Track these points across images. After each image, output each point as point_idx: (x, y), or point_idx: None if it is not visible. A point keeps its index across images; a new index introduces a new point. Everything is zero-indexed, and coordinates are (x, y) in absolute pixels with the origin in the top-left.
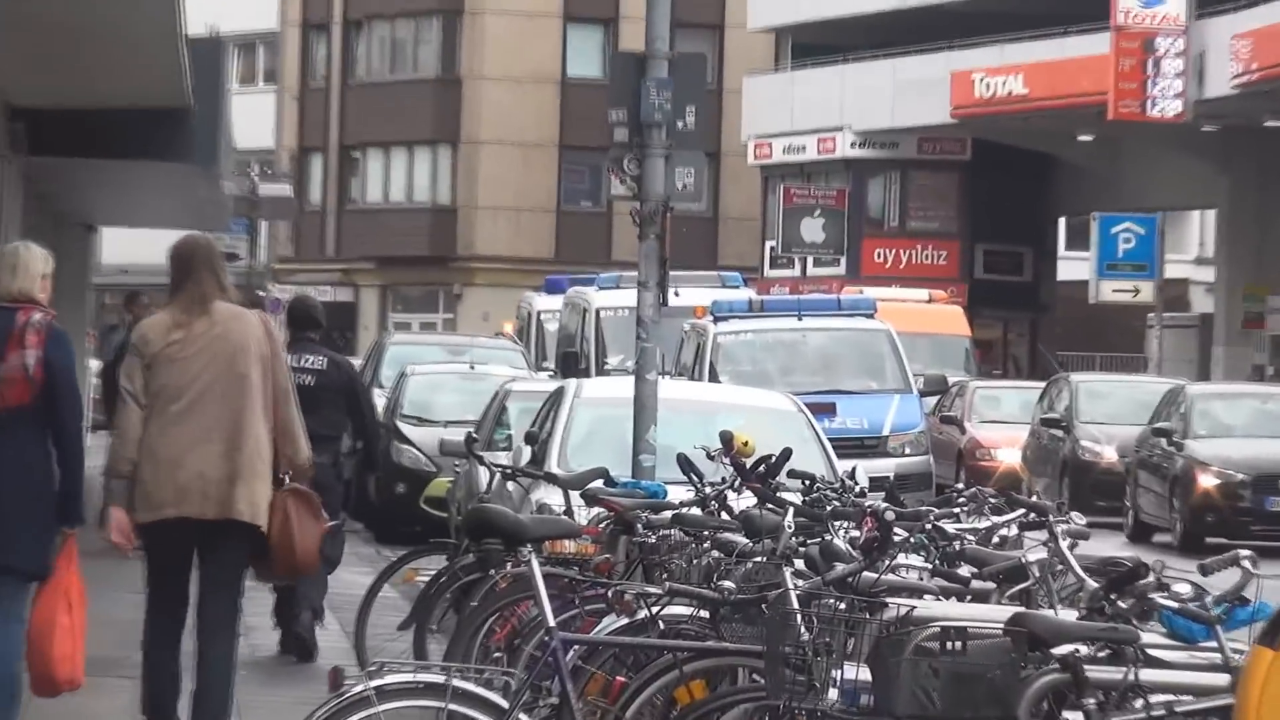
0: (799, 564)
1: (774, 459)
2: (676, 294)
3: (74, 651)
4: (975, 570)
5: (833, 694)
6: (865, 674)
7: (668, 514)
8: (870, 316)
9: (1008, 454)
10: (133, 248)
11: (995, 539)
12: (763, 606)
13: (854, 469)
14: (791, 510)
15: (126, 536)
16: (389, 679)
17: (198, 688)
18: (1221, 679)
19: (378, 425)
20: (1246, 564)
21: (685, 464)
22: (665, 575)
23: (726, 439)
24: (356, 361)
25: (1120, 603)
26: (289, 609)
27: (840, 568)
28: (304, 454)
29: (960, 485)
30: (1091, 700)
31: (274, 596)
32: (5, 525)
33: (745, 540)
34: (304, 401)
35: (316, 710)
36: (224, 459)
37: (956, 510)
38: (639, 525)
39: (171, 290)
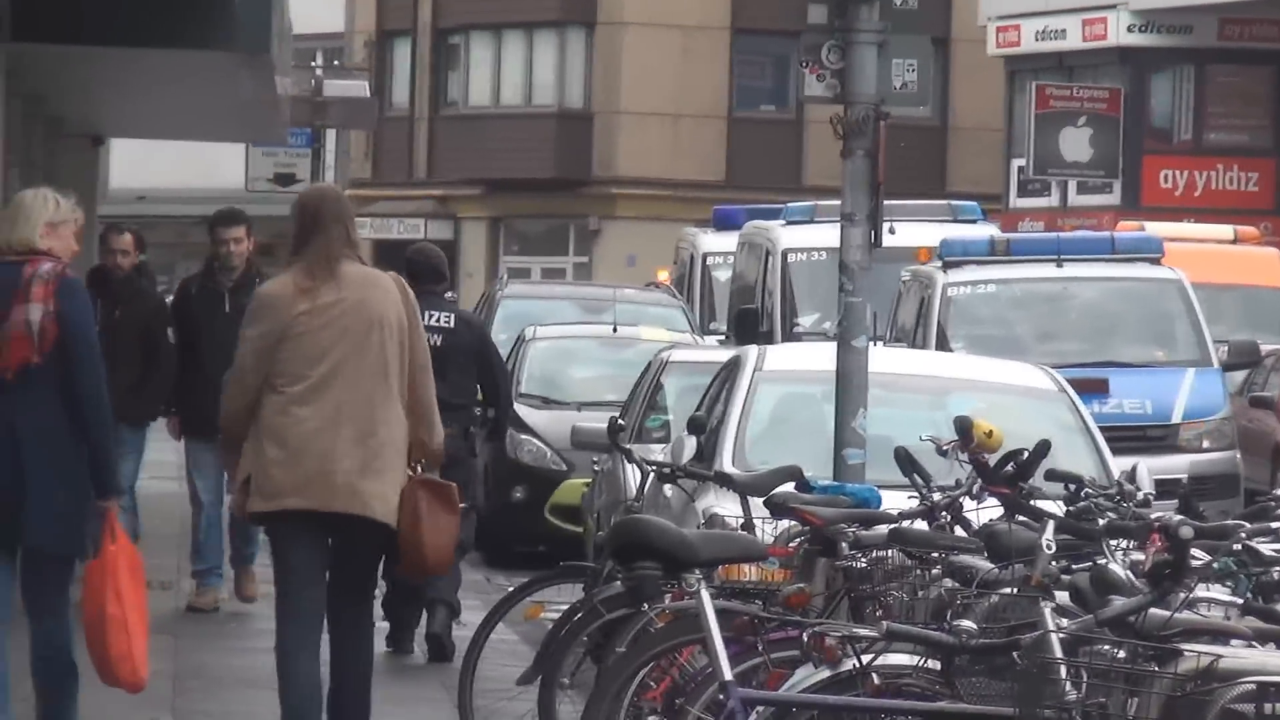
0: (1062, 597)
1: (1027, 455)
2: (893, 231)
3: (130, 648)
4: None
5: None
6: None
7: (883, 529)
8: (1155, 262)
9: None
10: (153, 167)
11: None
12: (1014, 655)
13: (1134, 468)
14: (1052, 524)
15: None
16: None
17: (336, 688)
18: None
19: (511, 394)
20: None
21: (906, 461)
22: (880, 612)
23: (963, 428)
24: None
25: None
26: (400, 602)
27: (1118, 603)
28: (439, 438)
29: (1279, 491)
30: None
31: (384, 588)
32: (28, 502)
33: (989, 565)
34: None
35: None
36: (356, 447)
37: (1275, 525)
38: (844, 544)
39: (295, 248)
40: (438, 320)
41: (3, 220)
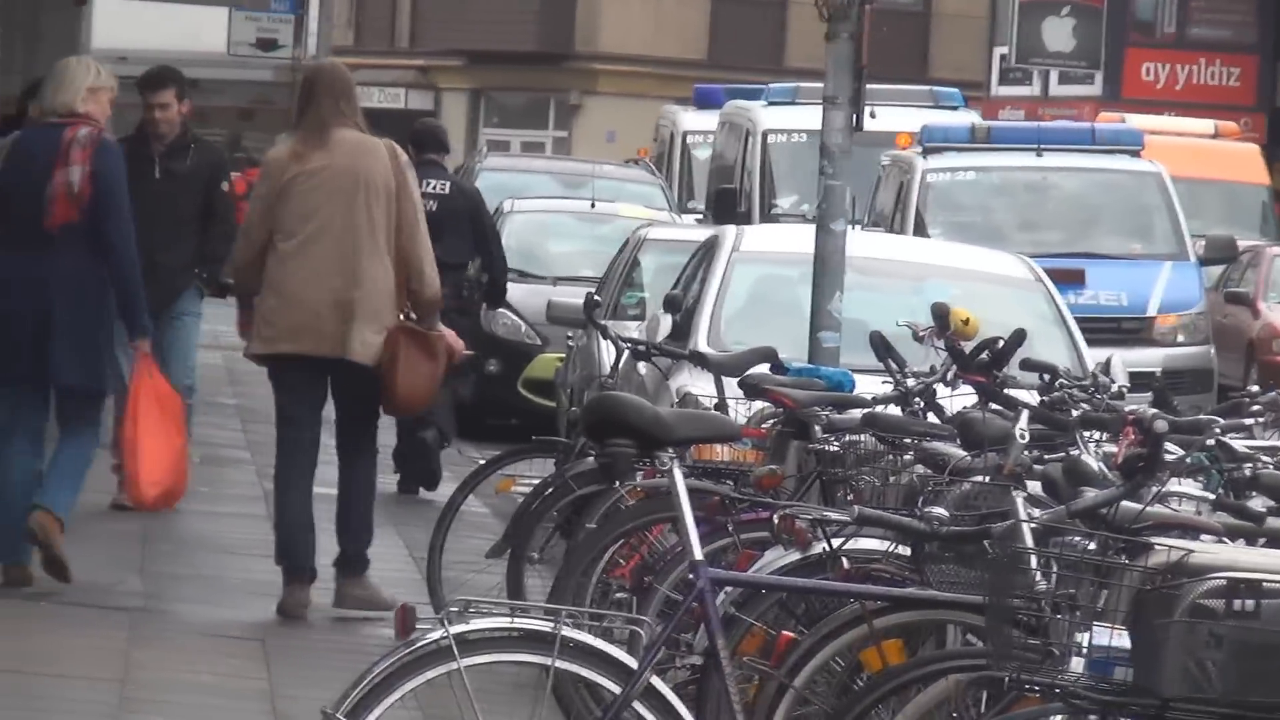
0: (1034, 487)
1: (1002, 344)
2: (874, 115)
3: (136, 469)
4: (1274, 503)
5: (1076, 664)
6: (1122, 639)
7: (856, 413)
8: (1135, 154)
9: None
10: (134, 28)
11: None
12: (984, 543)
13: (1109, 360)
14: (1025, 414)
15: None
16: (475, 625)
17: (339, 509)
18: None
19: (504, 257)
20: None
21: (882, 346)
22: (851, 496)
23: (940, 314)
24: None
25: None
26: (411, 452)
27: (1090, 495)
28: (430, 288)
29: (1254, 387)
30: None
31: (396, 440)
32: (61, 344)
33: (961, 453)
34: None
35: (381, 662)
36: (340, 296)
37: (1249, 421)
38: (817, 427)
39: (295, 118)
40: (435, 187)
41: (48, 86)
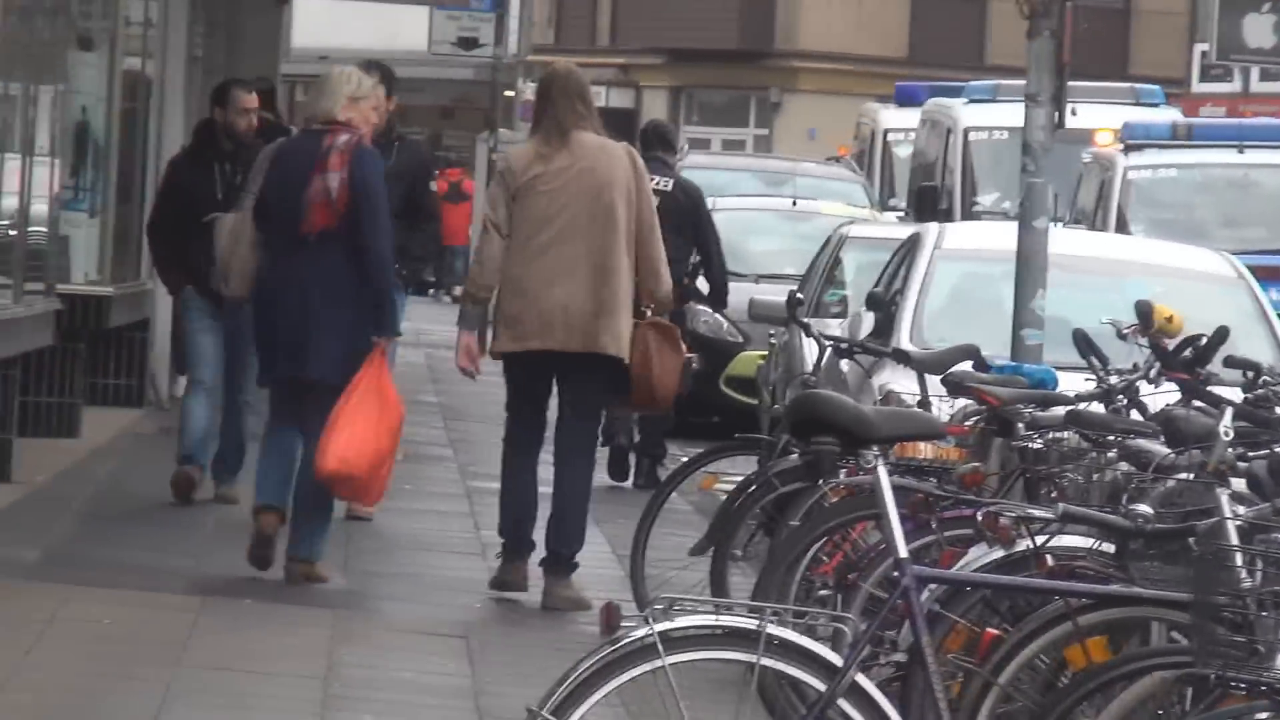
0: (1239, 484)
1: (1205, 341)
2: (1074, 113)
3: (350, 452)
4: None
5: None
6: None
7: (1060, 410)
8: None
9: None
10: (334, 27)
11: None
12: (1189, 541)
13: None
14: (1230, 411)
15: (473, 361)
16: (680, 622)
17: (554, 511)
18: None
19: (722, 257)
20: None
21: (1085, 344)
22: (1055, 494)
23: (1144, 312)
24: None
25: None
26: (649, 443)
27: None
28: (665, 286)
29: None
30: None
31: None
32: (318, 344)
33: (1166, 450)
34: None
35: (586, 660)
36: (589, 293)
37: None
38: (1020, 425)
39: (534, 121)
40: (658, 184)
41: (312, 94)
